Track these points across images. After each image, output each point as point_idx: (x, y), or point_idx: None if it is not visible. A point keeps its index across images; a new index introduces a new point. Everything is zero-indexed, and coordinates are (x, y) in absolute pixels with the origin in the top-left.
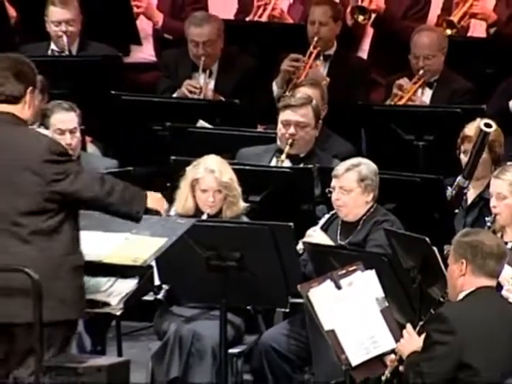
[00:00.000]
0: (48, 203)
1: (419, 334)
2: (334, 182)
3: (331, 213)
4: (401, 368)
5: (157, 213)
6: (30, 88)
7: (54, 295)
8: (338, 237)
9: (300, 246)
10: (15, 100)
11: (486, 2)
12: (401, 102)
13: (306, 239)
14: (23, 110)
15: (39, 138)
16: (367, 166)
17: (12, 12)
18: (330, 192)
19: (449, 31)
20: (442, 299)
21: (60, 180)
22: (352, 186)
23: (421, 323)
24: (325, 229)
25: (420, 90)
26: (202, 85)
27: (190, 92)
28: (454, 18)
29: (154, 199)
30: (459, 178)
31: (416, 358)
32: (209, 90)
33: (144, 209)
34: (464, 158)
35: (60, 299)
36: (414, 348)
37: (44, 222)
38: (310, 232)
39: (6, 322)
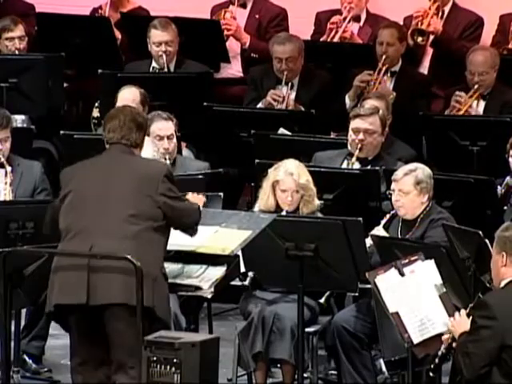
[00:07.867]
0: (157, 211)
1: (468, 315)
2: (393, 185)
3: (392, 212)
4: (454, 344)
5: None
6: (145, 136)
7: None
8: (399, 233)
9: (368, 244)
10: (135, 146)
11: None
12: (458, 113)
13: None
14: (139, 152)
15: (157, 162)
16: (423, 170)
17: (118, 35)
18: (391, 194)
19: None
20: (488, 284)
21: (169, 196)
22: (409, 188)
23: (470, 305)
24: (386, 227)
25: (475, 102)
26: (285, 95)
27: (274, 100)
28: None
29: (196, 198)
30: (508, 178)
31: (464, 340)
32: (290, 100)
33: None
34: None
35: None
36: (464, 328)
37: (152, 227)
38: (373, 232)
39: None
